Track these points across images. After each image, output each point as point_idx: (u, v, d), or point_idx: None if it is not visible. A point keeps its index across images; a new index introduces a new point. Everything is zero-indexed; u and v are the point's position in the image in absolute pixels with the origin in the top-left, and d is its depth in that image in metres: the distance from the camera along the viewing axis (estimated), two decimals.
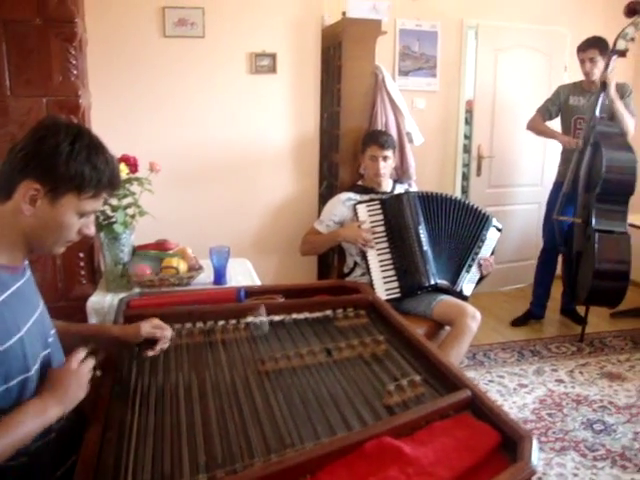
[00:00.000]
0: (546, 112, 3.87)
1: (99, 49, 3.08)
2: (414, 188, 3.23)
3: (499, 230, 3.01)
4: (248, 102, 3.52)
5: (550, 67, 4.57)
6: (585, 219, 3.53)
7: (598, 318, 4.06)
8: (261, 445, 1.13)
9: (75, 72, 2.41)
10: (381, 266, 2.88)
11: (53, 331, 1.34)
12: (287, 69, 3.53)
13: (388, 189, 3.10)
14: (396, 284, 2.84)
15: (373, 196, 3.03)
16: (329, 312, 1.80)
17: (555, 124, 3.92)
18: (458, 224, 2.93)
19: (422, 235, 2.87)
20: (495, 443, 1.11)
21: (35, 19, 2.31)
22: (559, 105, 3.82)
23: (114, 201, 2.33)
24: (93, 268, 2.59)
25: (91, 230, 1.29)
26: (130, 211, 2.41)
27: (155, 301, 1.92)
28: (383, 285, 2.83)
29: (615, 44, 3.41)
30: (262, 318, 1.70)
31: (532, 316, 4.07)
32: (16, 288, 1.21)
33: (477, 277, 2.93)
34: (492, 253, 2.98)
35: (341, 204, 3.07)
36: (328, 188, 3.85)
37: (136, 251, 2.51)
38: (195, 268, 2.47)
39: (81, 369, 1.24)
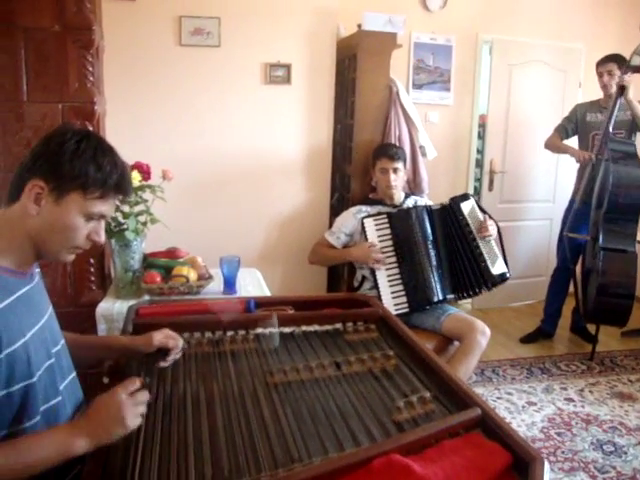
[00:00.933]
0: (563, 130, 3.87)
1: (115, 56, 3.10)
2: (427, 201, 3.21)
3: (466, 198, 2.95)
4: (262, 112, 3.53)
5: (565, 83, 4.57)
6: (594, 236, 3.51)
7: (609, 337, 4.03)
8: (268, 459, 1.11)
9: (91, 79, 2.42)
10: (389, 281, 2.86)
11: (62, 341, 1.33)
12: (301, 80, 3.54)
13: (399, 202, 3.09)
14: (404, 299, 2.82)
15: (381, 209, 3.02)
16: (339, 325, 1.78)
17: (573, 142, 3.90)
18: (445, 226, 2.91)
19: (431, 249, 2.85)
20: (506, 463, 1.10)
21: (54, 26, 2.33)
22: (576, 123, 3.81)
23: (126, 208, 2.33)
24: (103, 274, 2.60)
25: (101, 237, 1.27)
26: (142, 218, 2.42)
27: (164, 309, 1.91)
28: (391, 300, 2.82)
29: (630, 60, 3.41)
30: (273, 329, 1.69)
31: (542, 334, 4.04)
32: (22, 293, 1.20)
33: (494, 248, 2.86)
34: (484, 213, 2.93)
35: (352, 216, 3.07)
36: (339, 200, 3.85)
37: (147, 258, 2.51)
38: (205, 277, 2.47)
39: (129, 402, 1.14)
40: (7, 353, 1.10)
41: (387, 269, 2.87)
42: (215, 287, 2.48)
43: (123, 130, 3.10)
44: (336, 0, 3.53)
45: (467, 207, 2.90)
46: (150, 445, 1.16)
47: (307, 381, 1.42)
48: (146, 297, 2.35)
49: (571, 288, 3.93)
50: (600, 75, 3.63)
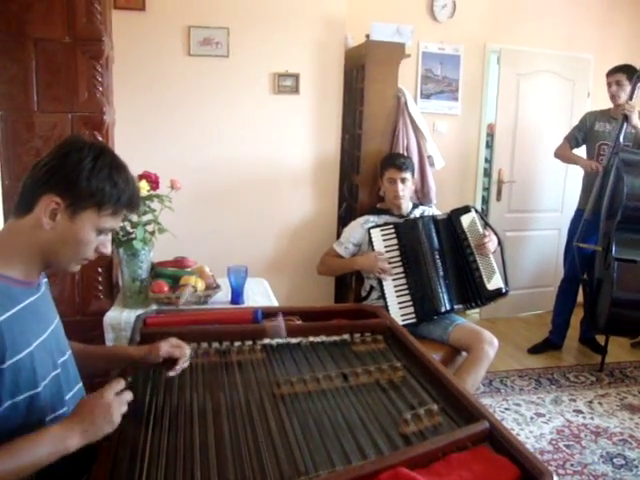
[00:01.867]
0: (573, 139, 3.86)
1: (125, 66, 3.12)
2: (434, 211, 3.20)
3: (467, 210, 2.95)
4: (270, 122, 3.54)
5: (573, 93, 4.56)
6: (606, 247, 3.49)
7: (618, 348, 4.00)
8: (275, 471, 1.11)
9: (101, 89, 2.44)
10: (396, 291, 2.86)
11: (69, 352, 1.34)
12: (310, 90, 3.55)
13: (407, 212, 3.08)
14: (412, 309, 2.82)
15: (388, 219, 3.02)
16: (346, 336, 1.78)
17: (582, 151, 3.89)
18: (447, 238, 2.91)
19: (437, 260, 2.85)
20: (514, 478, 1.09)
21: (64, 37, 2.35)
22: (585, 132, 3.80)
23: (134, 217, 2.34)
24: (111, 283, 2.60)
25: (107, 249, 1.30)
26: (150, 228, 2.42)
27: (172, 319, 1.91)
28: (399, 310, 2.81)
29: (639, 71, 3.41)
30: (278, 323, 1.69)
31: (550, 345, 4.02)
32: (28, 303, 1.21)
33: (492, 263, 2.86)
34: (486, 226, 2.93)
35: (359, 227, 3.07)
36: (347, 209, 3.85)
37: (154, 268, 2.52)
38: (212, 287, 2.47)
39: (114, 401, 1.17)
40: (12, 362, 1.11)
41: (394, 279, 2.87)
42: (223, 297, 2.48)
43: (132, 140, 3.12)
44: (344, 10, 3.55)
45: (467, 220, 2.90)
46: (156, 455, 1.16)
47: (314, 392, 1.42)
48: (154, 306, 2.35)
49: (580, 298, 3.91)
50: (609, 85, 3.63)
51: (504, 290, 2.83)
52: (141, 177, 2.38)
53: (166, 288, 2.38)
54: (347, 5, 3.57)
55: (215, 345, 1.69)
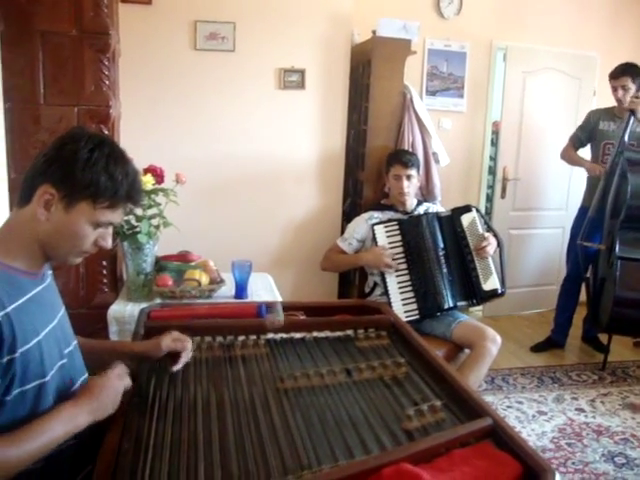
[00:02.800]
0: (577, 140, 3.85)
1: (131, 60, 3.12)
2: (439, 208, 3.20)
3: (468, 209, 2.95)
4: (276, 117, 3.54)
5: (579, 91, 4.55)
6: (609, 245, 3.48)
7: (621, 346, 3.99)
8: (278, 465, 1.11)
9: (107, 82, 2.44)
10: (399, 287, 2.86)
11: (74, 342, 1.35)
12: (315, 85, 3.55)
13: (411, 209, 3.08)
14: (415, 306, 2.82)
15: (392, 216, 3.02)
16: (350, 332, 1.78)
17: (587, 150, 3.88)
18: (448, 237, 2.92)
19: (441, 256, 2.85)
20: (516, 474, 1.09)
21: (71, 30, 2.35)
22: (589, 131, 3.78)
23: (139, 211, 2.34)
24: (115, 277, 2.61)
25: (107, 242, 1.29)
26: (154, 222, 2.42)
27: (176, 313, 1.92)
28: (402, 307, 2.82)
29: None
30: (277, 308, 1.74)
31: (553, 344, 4.01)
32: (35, 293, 1.22)
33: (490, 265, 2.87)
34: (489, 229, 2.94)
35: (364, 222, 3.07)
36: (352, 205, 3.85)
37: (159, 262, 2.52)
38: (217, 281, 2.48)
39: (119, 384, 1.26)
40: (22, 352, 1.12)
41: (397, 276, 2.87)
42: (227, 291, 2.49)
43: (137, 133, 3.12)
44: (351, 6, 3.54)
45: (467, 220, 2.91)
46: (160, 448, 1.17)
47: (317, 387, 1.42)
48: (158, 300, 2.36)
49: (582, 297, 3.90)
50: (614, 89, 3.60)
51: (500, 291, 2.84)
52: (146, 171, 2.38)
53: (170, 282, 2.39)
54: (354, 1, 3.56)
55: (219, 339, 1.70)
